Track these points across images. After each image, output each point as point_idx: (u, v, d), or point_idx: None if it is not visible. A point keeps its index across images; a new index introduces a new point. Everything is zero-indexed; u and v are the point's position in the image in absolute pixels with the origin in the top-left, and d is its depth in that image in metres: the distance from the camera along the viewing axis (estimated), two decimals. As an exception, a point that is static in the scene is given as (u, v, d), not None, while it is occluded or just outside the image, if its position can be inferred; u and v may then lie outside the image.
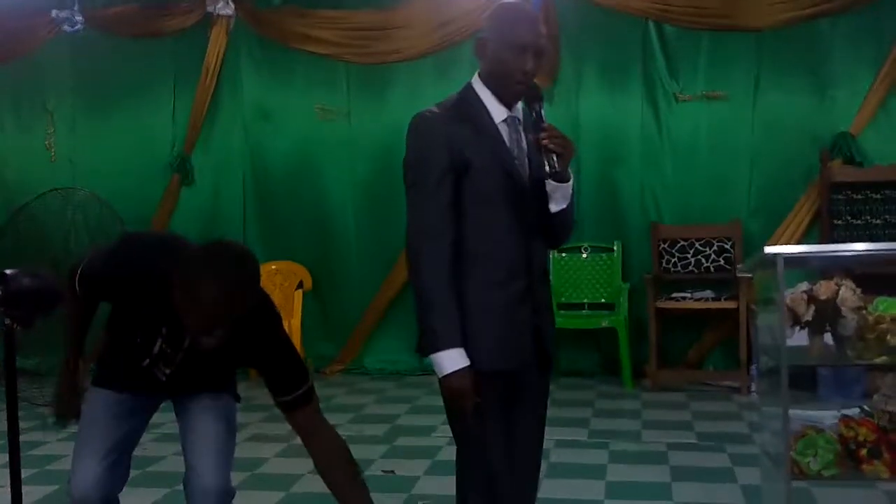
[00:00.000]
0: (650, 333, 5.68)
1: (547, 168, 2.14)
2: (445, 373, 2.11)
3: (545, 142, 2.11)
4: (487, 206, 2.18)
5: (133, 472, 4.14)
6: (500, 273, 2.20)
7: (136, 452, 4.20)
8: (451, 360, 2.10)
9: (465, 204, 2.17)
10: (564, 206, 2.23)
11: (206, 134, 6.82)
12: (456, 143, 2.15)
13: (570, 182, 2.21)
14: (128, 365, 2.40)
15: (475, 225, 2.17)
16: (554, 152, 2.12)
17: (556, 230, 2.30)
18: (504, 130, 2.22)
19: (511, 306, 2.20)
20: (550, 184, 2.17)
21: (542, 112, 2.18)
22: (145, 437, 4.68)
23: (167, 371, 2.39)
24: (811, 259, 3.29)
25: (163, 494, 3.86)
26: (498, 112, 2.22)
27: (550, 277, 2.36)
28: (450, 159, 2.14)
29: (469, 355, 2.12)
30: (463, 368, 2.10)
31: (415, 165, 2.19)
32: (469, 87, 2.25)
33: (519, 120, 2.24)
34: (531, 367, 2.29)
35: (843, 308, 2.59)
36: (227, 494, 2.43)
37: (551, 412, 2.49)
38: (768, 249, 2.61)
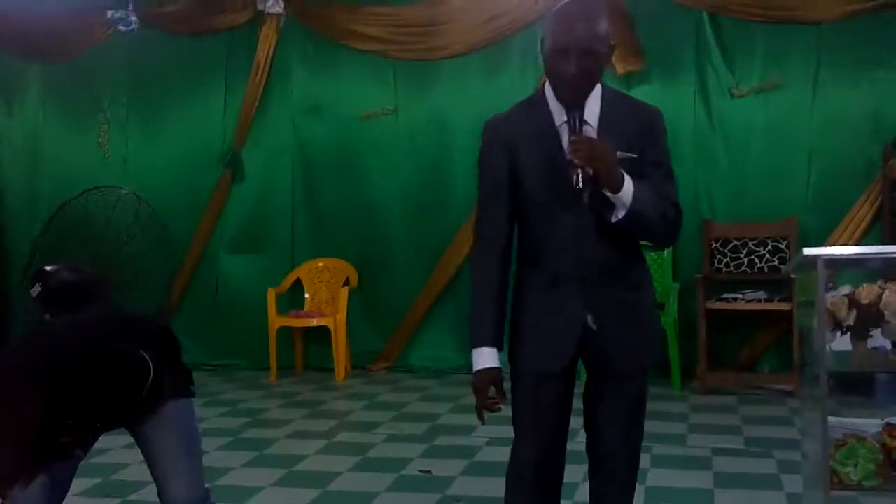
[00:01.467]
0: (700, 334, 5.52)
1: (574, 183, 2.09)
2: (474, 370, 2.23)
3: (570, 156, 2.08)
4: (537, 208, 2.22)
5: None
6: (546, 276, 2.23)
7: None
8: (478, 358, 2.22)
9: (520, 207, 2.25)
10: (622, 215, 2.13)
11: (256, 130, 6.88)
12: (509, 146, 2.22)
13: (626, 190, 2.10)
14: None
15: (527, 228, 2.26)
16: (579, 166, 2.06)
17: (639, 235, 2.26)
18: (565, 132, 2.20)
19: (555, 309, 2.22)
20: (607, 193, 2.12)
21: (579, 121, 2.13)
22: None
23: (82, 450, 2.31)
24: (869, 261, 3.14)
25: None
26: (559, 113, 2.21)
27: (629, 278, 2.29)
28: (505, 163, 2.22)
29: (514, 353, 2.27)
30: (484, 369, 2.20)
31: (478, 167, 2.31)
32: (541, 88, 2.28)
33: (583, 121, 2.20)
34: (593, 368, 2.32)
35: (886, 312, 2.46)
36: (199, 502, 2.42)
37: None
38: (807, 251, 2.50)
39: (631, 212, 2.11)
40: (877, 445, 2.52)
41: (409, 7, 6.57)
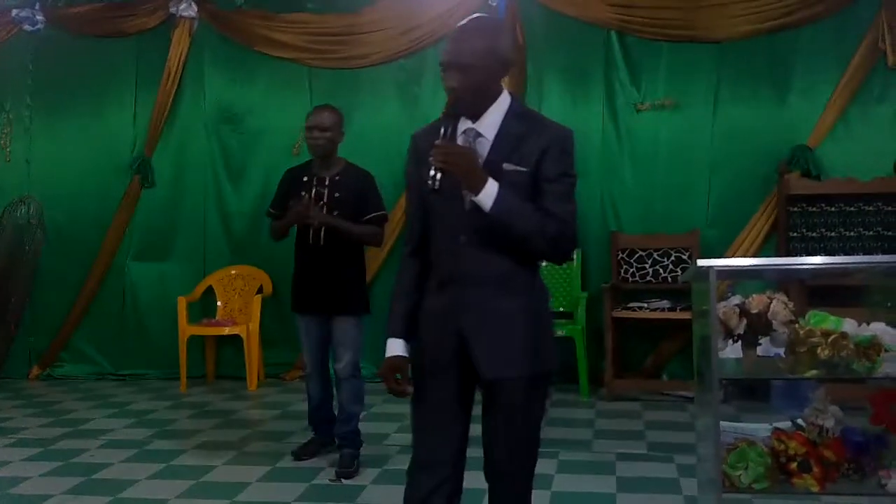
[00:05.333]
0: (607, 342, 5.68)
1: (428, 182, 2.21)
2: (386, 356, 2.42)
3: (431, 158, 2.20)
4: (432, 214, 2.36)
5: (77, 479, 4.14)
6: (435, 277, 2.37)
7: (82, 459, 4.22)
8: (388, 347, 2.41)
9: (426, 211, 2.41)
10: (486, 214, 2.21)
11: (167, 135, 6.78)
12: (421, 158, 2.31)
13: (487, 194, 2.18)
14: (302, 258, 4.33)
15: (429, 235, 2.38)
16: (439, 169, 2.18)
17: (515, 242, 2.25)
18: (461, 142, 2.29)
19: (438, 310, 2.34)
20: (470, 196, 2.23)
21: (452, 129, 2.25)
22: (92, 444, 4.69)
23: (322, 233, 4.17)
24: (763, 271, 3.30)
25: (106, 502, 3.81)
26: (463, 125, 2.32)
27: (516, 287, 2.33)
28: (419, 175, 2.32)
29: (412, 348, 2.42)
30: (389, 357, 2.39)
31: (405, 179, 2.50)
32: None
33: (476, 132, 2.30)
34: (469, 371, 2.31)
35: (774, 322, 2.60)
36: (352, 374, 4.26)
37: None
38: (701, 262, 2.62)
39: (492, 215, 2.20)
40: (766, 449, 2.63)
41: (326, 15, 6.57)
